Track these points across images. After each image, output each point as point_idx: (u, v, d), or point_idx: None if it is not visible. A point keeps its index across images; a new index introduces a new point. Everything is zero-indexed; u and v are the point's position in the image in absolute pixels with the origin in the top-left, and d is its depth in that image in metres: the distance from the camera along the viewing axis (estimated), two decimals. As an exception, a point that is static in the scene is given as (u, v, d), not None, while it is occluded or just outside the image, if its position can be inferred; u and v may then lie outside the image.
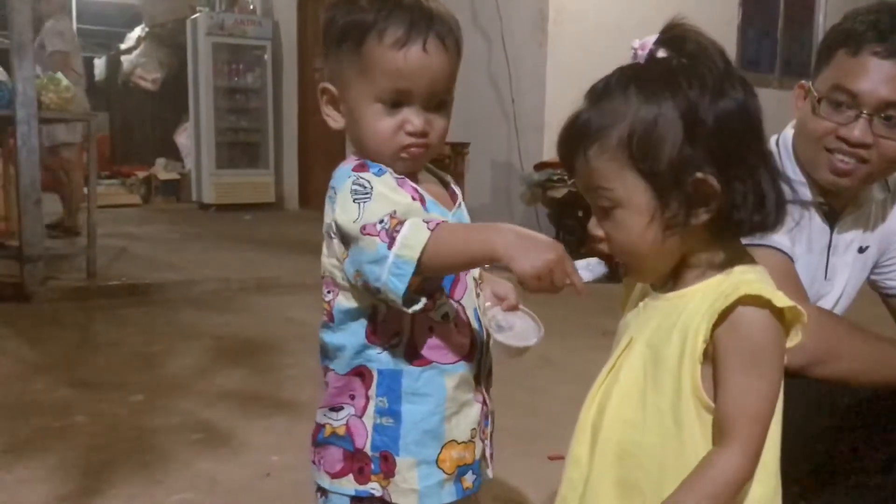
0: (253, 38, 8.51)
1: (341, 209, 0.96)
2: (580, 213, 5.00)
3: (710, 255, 0.89)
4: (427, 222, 0.92)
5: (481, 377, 1.08)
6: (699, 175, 0.83)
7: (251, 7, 8.82)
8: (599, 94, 0.88)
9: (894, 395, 1.37)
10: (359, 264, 0.94)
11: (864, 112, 1.32)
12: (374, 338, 1.02)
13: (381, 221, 0.92)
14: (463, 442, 1.05)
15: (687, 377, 0.87)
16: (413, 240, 0.90)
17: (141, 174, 9.66)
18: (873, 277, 1.57)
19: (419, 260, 0.89)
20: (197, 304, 4.25)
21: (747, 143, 0.84)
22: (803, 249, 1.43)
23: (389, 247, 0.90)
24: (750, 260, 0.91)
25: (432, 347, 1.02)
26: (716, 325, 0.85)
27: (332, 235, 0.99)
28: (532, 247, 0.88)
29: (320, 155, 7.99)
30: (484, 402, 1.08)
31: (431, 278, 0.97)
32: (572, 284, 0.89)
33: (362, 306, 1.01)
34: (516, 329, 1.05)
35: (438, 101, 1.01)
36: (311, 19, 8.15)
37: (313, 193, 8.38)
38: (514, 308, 1.08)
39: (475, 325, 1.06)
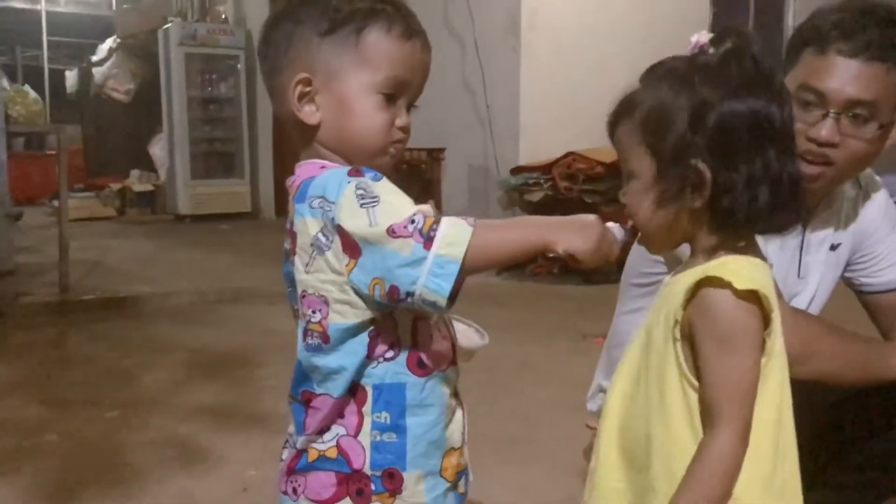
0: (225, 48, 8.46)
1: (349, 216, 0.90)
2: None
3: (711, 243, 0.94)
4: (465, 219, 0.90)
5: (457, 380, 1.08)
6: (692, 162, 0.90)
7: (223, 17, 8.76)
8: (645, 78, 0.97)
9: (891, 388, 1.38)
10: (384, 271, 0.89)
11: (832, 111, 1.32)
12: (373, 353, 0.97)
13: (413, 222, 0.88)
14: (458, 448, 1.04)
15: (671, 355, 0.92)
16: (455, 237, 0.88)
17: (115, 186, 9.52)
18: (847, 275, 1.58)
19: (464, 258, 0.88)
20: (173, 317, 4.20)
21: (750, 145, 0.89)
22: (776, 248, 1.43)
23: (426, 247, 0.87)
24: (747, 251, 0.94)
25: (433, 356, 1.00)
26: (689, 306, 0.90)
27: (325, 248, 0.93)
28: (580, 226, 0.93)
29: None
30: (461, 405, 1.08)
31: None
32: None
33: (362, 321, 0.95)
34: (458, 334, 1.06)
35: (413, 103, 1.03)
36: (285, 28, 8.10)
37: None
38: None
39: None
